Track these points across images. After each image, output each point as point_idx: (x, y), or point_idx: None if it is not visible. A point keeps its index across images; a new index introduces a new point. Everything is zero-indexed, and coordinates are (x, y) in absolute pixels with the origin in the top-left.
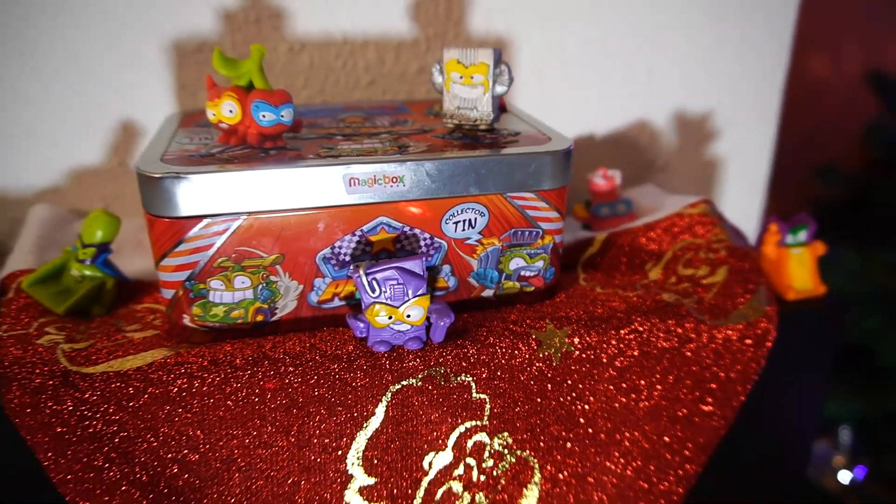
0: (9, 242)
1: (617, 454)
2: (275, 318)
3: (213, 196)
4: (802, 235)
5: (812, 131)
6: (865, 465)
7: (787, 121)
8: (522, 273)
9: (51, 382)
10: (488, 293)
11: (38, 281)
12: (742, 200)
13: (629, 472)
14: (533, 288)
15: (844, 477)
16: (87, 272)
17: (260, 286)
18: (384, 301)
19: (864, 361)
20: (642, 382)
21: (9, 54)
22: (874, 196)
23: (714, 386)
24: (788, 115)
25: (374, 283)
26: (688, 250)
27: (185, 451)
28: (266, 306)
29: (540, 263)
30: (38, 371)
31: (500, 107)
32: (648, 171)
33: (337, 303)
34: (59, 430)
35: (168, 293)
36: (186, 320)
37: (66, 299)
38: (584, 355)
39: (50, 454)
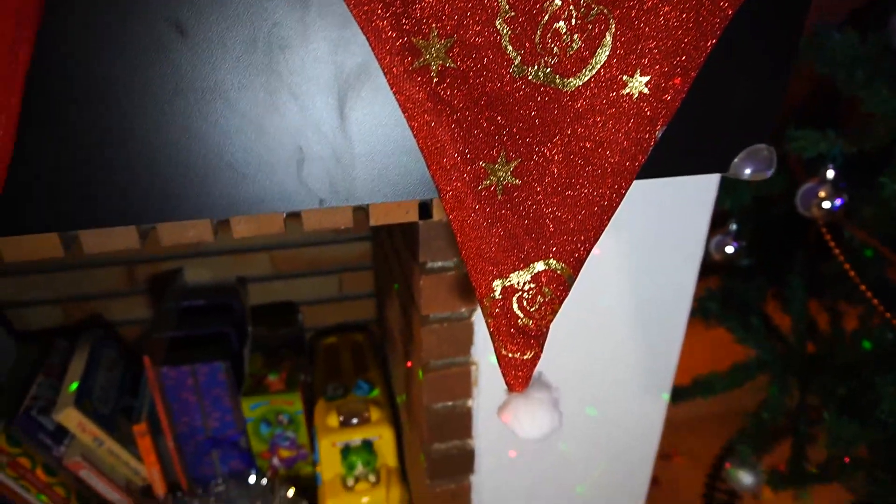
0: None
1: (668, 8)
2: None
3: None
4: None
5: None
6: (843, 199)
7: None
8: None
9: None
10: None
11: None
12: None
13: (675, 25)
14: None
15: (826, 205)
16: None
17: None
18: None
19: (850, 108)
20: None
21: None
22: None
23: None
24: None
25: None
26: None
27: None
28: None
29: None
30: None
31: None
32: None
33: None
34: None
35: None
36: None
37: None
38: None
39: None
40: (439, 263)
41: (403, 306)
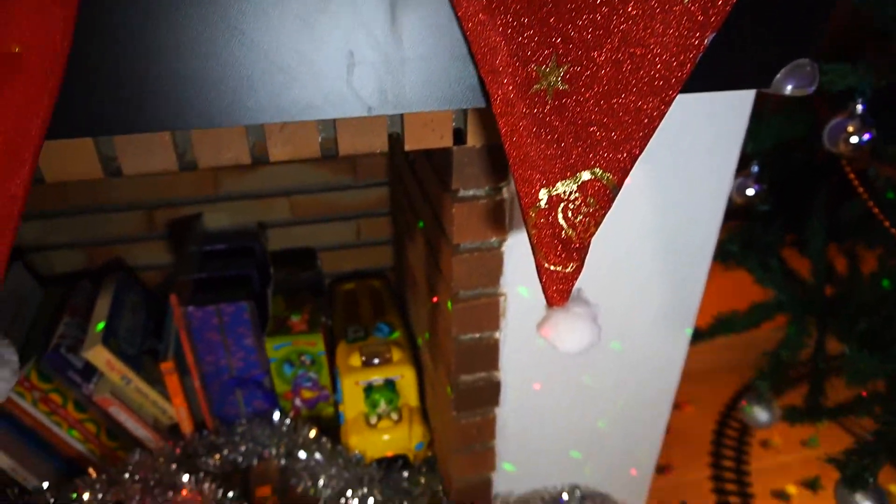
0: None
1: None
2: None
3: None
4: None
5: None
6: (871, 134)
7: None
8: None
9: None
10: None
11: None
12: None
13: None
14: None
15: (853, 140)
16: None
17: None
18: None
19: (880, 43)
20: None
21: None
22: None
23: None
24: None
25: None
26: None
27: None
28: None
29: None
30: None
31: None
32: None
33: None
34: None
35: None
36: None
37: None
38: None
39: None
40: (471, 192)
41: (430, 241)
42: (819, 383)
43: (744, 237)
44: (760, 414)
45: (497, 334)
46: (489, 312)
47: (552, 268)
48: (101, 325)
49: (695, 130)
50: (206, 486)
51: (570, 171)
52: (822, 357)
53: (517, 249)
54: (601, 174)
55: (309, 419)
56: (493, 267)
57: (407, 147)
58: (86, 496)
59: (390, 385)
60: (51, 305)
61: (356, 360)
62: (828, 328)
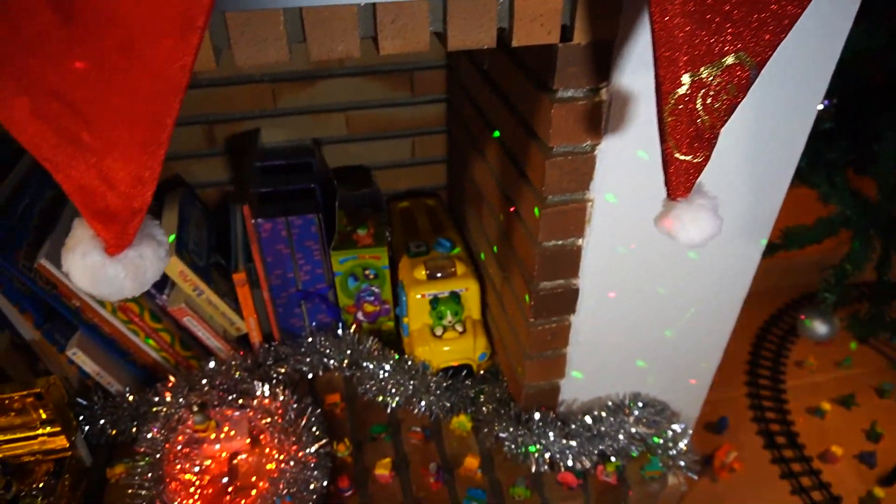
0: None
1: None
2: None
3: None
4: None
5: None
6: None
7: None
8: None
9: None
10: None
11: None
12: None
13: None
14: None
15: None
16: None
17: None
18: None
19: None
20: None
21: None
22: None
23: None
24: None
25: None
26: None
27: None
28: None
29: None
30: None
31: None
32: None
33: None
34: None
35: None
36: None
37: None
38: None
39: None
40: (570, 92)
41: (510, 150)
42: (884, 296)
43: (809, 154)
44: (820, 327)
45: (580, 241)
46: (576, 218)
47: (681, 157)
48: (172, 237)
49: (795, 35)
50: (280, 391)
51: (717, 56)
52: (886, 271)
53: (609, 155)
54: (745, 59)
55: (370, 333)
56: (584, 171)
57: (514, 43)
58: (168, 398)
59: (455, 298)
60: None
61: (421, 273)
62: (892, 244)
